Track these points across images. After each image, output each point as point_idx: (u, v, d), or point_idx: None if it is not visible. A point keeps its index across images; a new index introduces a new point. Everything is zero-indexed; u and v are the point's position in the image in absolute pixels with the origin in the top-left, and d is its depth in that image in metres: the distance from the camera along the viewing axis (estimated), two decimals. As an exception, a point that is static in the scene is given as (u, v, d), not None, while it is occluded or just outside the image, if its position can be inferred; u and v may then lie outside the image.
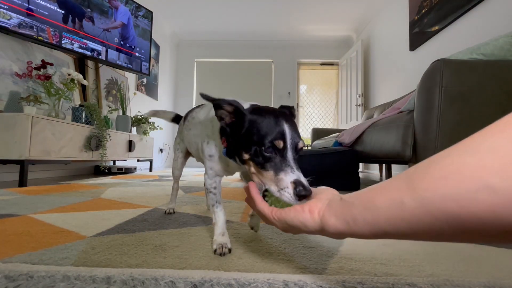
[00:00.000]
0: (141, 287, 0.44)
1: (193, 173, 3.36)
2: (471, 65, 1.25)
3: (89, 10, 2.50)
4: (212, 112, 0.63)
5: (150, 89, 4.36)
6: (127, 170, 3.06)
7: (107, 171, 2.90)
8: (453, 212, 0.18)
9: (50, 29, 2.18)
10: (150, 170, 3.56)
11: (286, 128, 0.49)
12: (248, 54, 5.46)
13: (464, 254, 0.62)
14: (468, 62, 1.26)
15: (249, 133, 0.50)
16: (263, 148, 0.48)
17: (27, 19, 2.02)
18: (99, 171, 2.90)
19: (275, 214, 0.40)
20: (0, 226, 0.78)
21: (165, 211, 1.02)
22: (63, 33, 2.28)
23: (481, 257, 0.61)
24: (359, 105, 4.27)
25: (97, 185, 1.78)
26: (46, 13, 2.14)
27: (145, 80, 4.14)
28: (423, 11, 2.90)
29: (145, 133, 3.30)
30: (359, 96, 4.30)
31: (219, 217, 0.66)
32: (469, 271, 0.53)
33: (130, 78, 3.70)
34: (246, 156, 0.51)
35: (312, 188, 0.43)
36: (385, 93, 3.91)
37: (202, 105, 0.85)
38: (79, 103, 2.55)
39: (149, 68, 3.24)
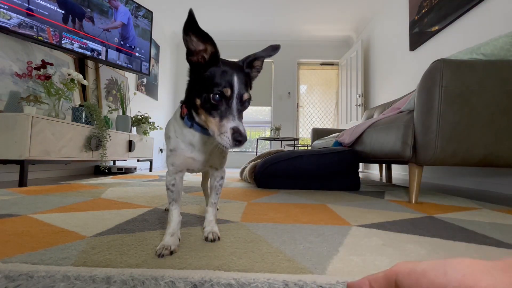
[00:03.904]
0: (141, 287, 0.44)
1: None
2: (471, 65, 1.25)
3: (89, 10, 2.50)
4: (176, 112, 0.68)
5: (150, 89, 4.36)
6: (127, 170, 3.06)
7: (107, 171, 2.90)
8: None
9: (50, 29, 2.18)
10: (150, 170, 3.56)
11: (235, 80, 0.53)
12: (248, 54, 5.45)
13: (464, 255, 0.62)
14: (468, 62, 1.26)
15: (204, 80, 0.55)
16: (211, 95, 0.52)
17: (27, 19, 2.02)
18: (99, 171, 2.90)
19: None
20: (0, 226, 0.78)
21: (165, 209, 1.02)
22: (63, 33, 2.27)
23: (481, 257, 0.61)
24: (359, 105, 4.27)
25: (97, 185, 1.77)
26: (46, 13, 2.14)
27: (145, 80, 4.14)
28: (423, 11, 2.90)
29: (145, 133, 3.30)
30: (359, 96, 4.30)
31: (173, 217, 0.66)
32: (469, 271, 0.52)
33: (130, 78, 3.70)
34: (198, 102, 0.56)
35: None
36: (385, 93, 3.91)
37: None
38: (79, 103, 2.55)
39: (149, 68, 3.23)
